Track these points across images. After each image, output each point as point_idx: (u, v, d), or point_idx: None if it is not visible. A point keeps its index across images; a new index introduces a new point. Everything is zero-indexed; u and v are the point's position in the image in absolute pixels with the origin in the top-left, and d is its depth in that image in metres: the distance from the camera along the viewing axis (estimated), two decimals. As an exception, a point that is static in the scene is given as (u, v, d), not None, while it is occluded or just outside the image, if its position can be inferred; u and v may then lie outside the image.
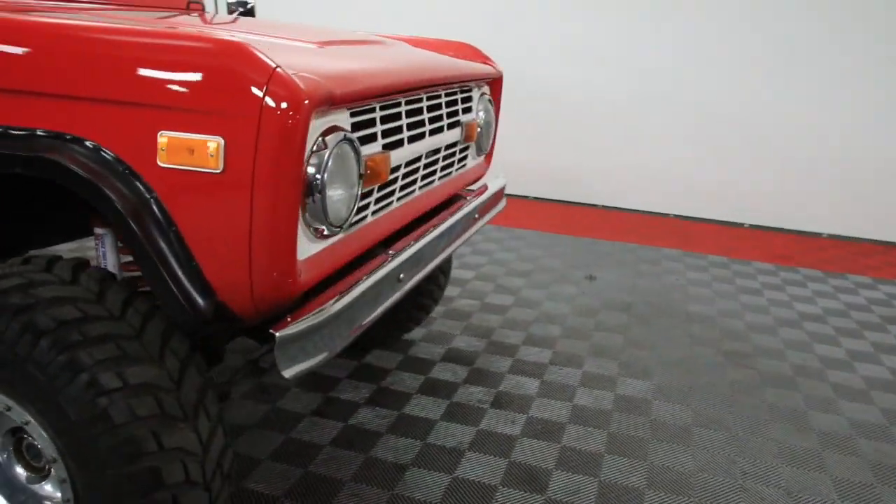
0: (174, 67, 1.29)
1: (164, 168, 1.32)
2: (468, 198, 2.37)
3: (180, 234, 1.35)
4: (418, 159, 1.97)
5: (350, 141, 1.48)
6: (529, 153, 5.71)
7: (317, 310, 1.42)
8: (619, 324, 3.47)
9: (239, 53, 1.27)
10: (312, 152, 1.37)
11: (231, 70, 1.27)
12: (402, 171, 1.87)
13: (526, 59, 5.52)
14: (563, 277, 4.08)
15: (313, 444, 2.33)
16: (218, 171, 1.29)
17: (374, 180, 1.64)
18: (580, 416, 2.60)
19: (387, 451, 2.32)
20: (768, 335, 3.41)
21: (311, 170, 1.37)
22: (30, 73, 1.38)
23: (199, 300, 1.35)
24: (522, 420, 2.56)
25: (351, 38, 2.12)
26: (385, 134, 1.73)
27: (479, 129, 2.43)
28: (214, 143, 1.28)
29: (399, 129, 1.81)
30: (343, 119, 1.50)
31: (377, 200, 1.76)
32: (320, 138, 1.39)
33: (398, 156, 1.80)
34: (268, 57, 1.29)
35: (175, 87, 1.29)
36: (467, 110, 2.35)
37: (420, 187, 2.05)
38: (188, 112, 1.29)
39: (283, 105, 1.26)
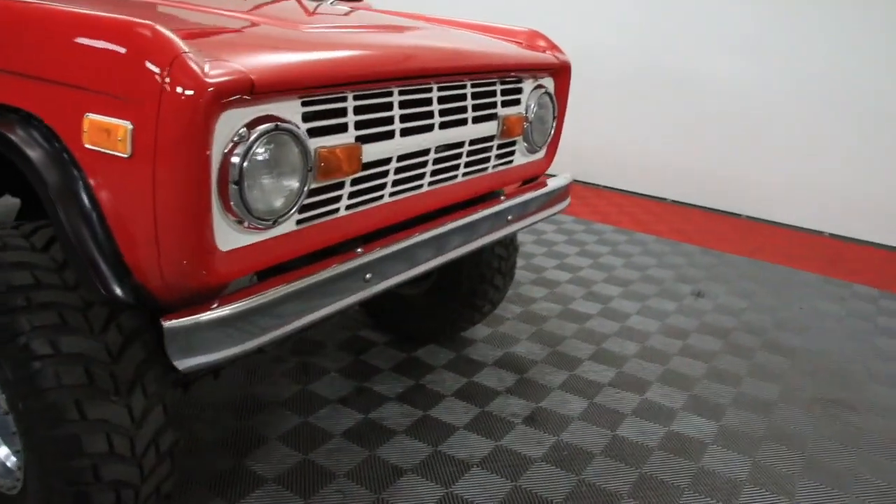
0: (95, 49, 1.29)
1: (87, 149, 1.33)
2: (503, 197, 2.19)
3: (102, 214, 1.36)
4: (423, 153, 1.84)
5: (288, 132, 1.40)
6: (666, 154, 5.25)
7: (224, 303, 1.37)
8: (707, 350, 3.07)
9: (146, 36, 1.24)
10: (235, 142, 1.32)
11: (138, 53, 1.24)
12: (394, 164, 1.75)
13: (669, 50, 5.06)
14: (666, 291, 3.70)
15: (325, 433, 2.31)
16: (126, 156, 1.28)
17: (335, 174, 1.54)
18: (616, 449, 2.34)
19: (392, 452, 2.24)
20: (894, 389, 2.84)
21: (234, 160, 1.31)
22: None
23: (114, 280, 1.35)
24: (550, 443, 2.34)
25: (353, 23, 2.03)
26: (363, 125, 1.62)
27: (526, 125, 2.23)
28: (124, 127, 1.26)
29: (389, 121, 1.69)
30: (288, 108, 1.42)
31: (353, 194, 1.66)
32: (244, 128, 1.33)
33: (383, 149, 1.69)
34: (178, 40, 1.24)
35: (96, 70, 1.29)
36: (512, 103, 2.16)
37: (431, 183, 1.92)
38: (105, 95, 1.29)
39: (184, 92, 1.21)
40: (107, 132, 1.29)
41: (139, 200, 1.30)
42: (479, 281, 2.70)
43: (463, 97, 1.94)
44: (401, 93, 1.71)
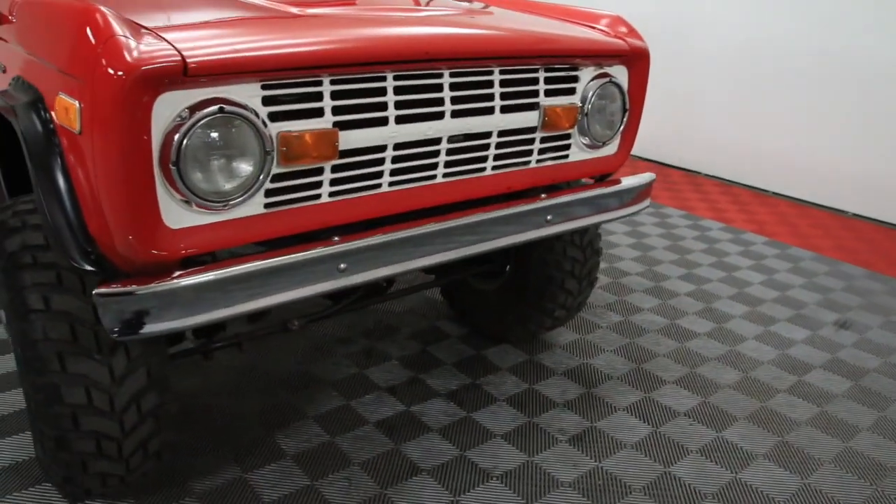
0: (62, 32, 1.36)
1: (59, 125, 1.42)
2: (544, 196, 1.98)
3: (72, 187, 1.44)
4: (431, 142, 1.72)
5: (239, 115, 1.37)
6: (848, 158, 4.47)
7: (166, 279, 1.38)
8: (826, 392, 2.57)
9: (90, 19, 1.27)
10: (177, 124, 1.32)
11: (83, 36, 1.28)
12: (391, 153, 1.65)
13: (858, 32, 4.27)
14: (803, 317, 3.15)
15: (359, 419, 2.29)
16: (77, 133, 1.33)
17: (303, 159, 1.49)
18: (661, 489, 2.04)
19: (416, 450, 2.15)
20: None
21: (174, 141, 1.32)
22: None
23: (77, 248, 1.43)
24: (588, 468, 2.11)
25: (368, 4, 1.92)
26: (344, 110, 1.55)
27: (581, 117, 2.00)
28: (74, 106, 1.32)
29: (382, 106, 1.60)
30: (243, 91, 1.39)
31: (337, 181, 1.60)
32: (186, 111, 1.32)
33: (374, 136, 1.60)
34: (115, 23, 1.26)
35: (62, 52, 1.36)
36: (562, 92, 1.95)
37: (448, 175, 1.79)
38: (67, 76, 1.35)
39: (114, 73, 1.22)
40: (66, 110, 1.35)
41: (88, 176, 1.35)
42: (547, 283, 2.50)
43: (487, 84, 1.78)
44: (396, 78, 1.61)
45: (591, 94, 2.00)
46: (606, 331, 2.94)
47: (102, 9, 1.31)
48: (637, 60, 2.09)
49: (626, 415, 2.38)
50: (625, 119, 2.12)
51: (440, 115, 1.71)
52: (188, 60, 1.28)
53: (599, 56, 1.99)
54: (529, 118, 1.90)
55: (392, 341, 2.77)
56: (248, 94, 1.41)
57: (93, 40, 1.26)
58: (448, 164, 1.79)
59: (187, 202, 1.38)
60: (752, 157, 5.07)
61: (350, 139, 1.57)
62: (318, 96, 1.51)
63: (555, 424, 2.31)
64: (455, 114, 1.73)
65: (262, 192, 1.48)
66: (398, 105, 1.63)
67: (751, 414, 2.42)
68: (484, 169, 1.87)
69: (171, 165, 1.32)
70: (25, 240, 1.58)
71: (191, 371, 2.50)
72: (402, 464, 2.09)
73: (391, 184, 1.70)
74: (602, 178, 2.24)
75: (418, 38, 1.64)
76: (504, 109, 1.83)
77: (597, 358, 2.72)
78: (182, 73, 1.28)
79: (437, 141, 1.73)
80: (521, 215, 1.89)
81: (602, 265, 3.58)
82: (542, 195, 1.97)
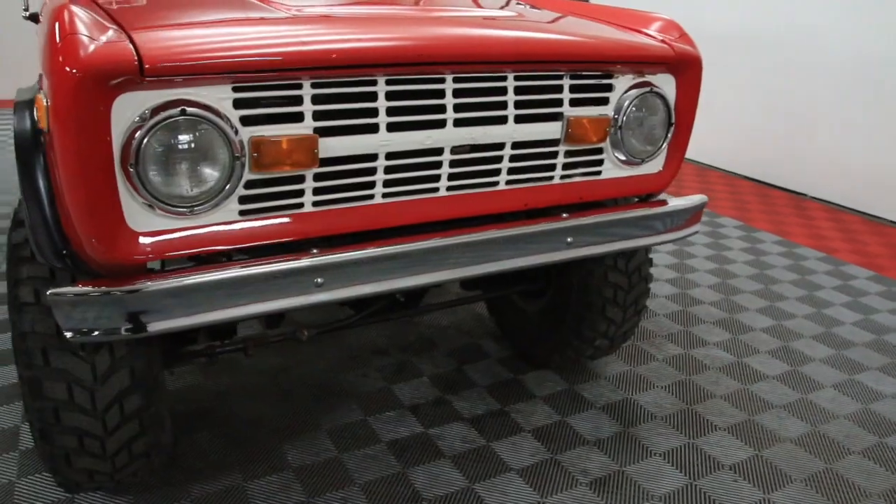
0: (45, 29, 1.34)
1: (39, 125, 1.42)
2: (566, 215, 1.79)
3: (50, 185, 1.43)
4: (432, 152, 1.59)
5: (203, 119, 1.31)
6: None
7: (121, 283, 1.33)
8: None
9: (60, 15, 1.25)
10: (137, 126, 1.27)
11: (51, 32, 1.25)
12: (383, 162, 1.54)
13: None
14: (900, 367, 2.72)
15: (373, 437, 2.18)
16: (46, 132, 1.32)
17: (278, 166, 1.41)
18: (689, 551, 1.78)
19: (423, 476, 2.02)
20: None
21: (134, 143, 1.27)
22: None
23: (50, 247, 1.42)
24: (605, 517, 1.89)
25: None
26: (327, 115, 1.45)
27: (613, 130, 1.79)
28: (44, 104, 1.30)
29: (372, 112, 1.49)
30: (212, 93, 1.33)
31: (321, 190, 1.50)
32: (147, 112, 1.27)
33: (362, 143, 1.49)
34: (79, 21, 1.23)
35: (43, 49, 1.35)
36: (592, 102, 1.75)
37: (453, 188, 1.65)
38: (43, 74, 1.34)
39: (70, 71, 1.19)
40: (41, 109, 1.35)
41: (55, 175, 1.33)
42: (586, 309, 2.29)
43: (499, 91, 1.62)
44: (390, 82, 1.49)
45: (627, 104, 1.79)
46: (661, 364, 2.67)
47: (75, 7, 1.28)
48: (686, 68, 1.85)
49: (662, 461, 2.13)
50: (669, 134, 1.89)
51: (441, 124, 1.58)
52: (145, 60, 1.23)
53: (638, 63, 1.78)
54: (550, 129, 1.72)
55: (428, 357, 2.65)
56: (218, 97, 1.34)
57: (57, 37, 1.23)
58: (453, 177, 1.65)
59: (150, 206, 1.34)
60: (868, 181, 4.52)
61: (334, 146, 1.47)
62: (298, 100, 1.42)
63: (579, 464, 2.10)
64: (459, 122, 1.60)
65: (234, 198, 1.42)
66: (391, 111, 1.51)
67: (810, 476, 2.10)
68: (497, 183, 1.72)
69: (129, 167, 1.28)
70: (27, 234, 1.61)
71: (224, 370, 2.50)
72: (404, 490, 1.97)
73: (386, 195, 1.59)
74: (645, 199, 2.02)
75: (416, 39, 1.51)
76: (519, 119, 1.67)
77: (644, 393, 2.48)
78: (138, 73, 1.23)
79: (439, 151, 1.60)
80: (534, 236, 1.72)
81: (671, 291, 3.29)
82: (564, 214, 1.79)
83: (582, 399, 2.43)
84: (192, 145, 1.33)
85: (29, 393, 1.57)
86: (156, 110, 1.28)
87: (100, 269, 1.39)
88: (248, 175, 1.41)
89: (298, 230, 1.52)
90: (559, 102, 1.72)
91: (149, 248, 1.37)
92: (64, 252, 1.43)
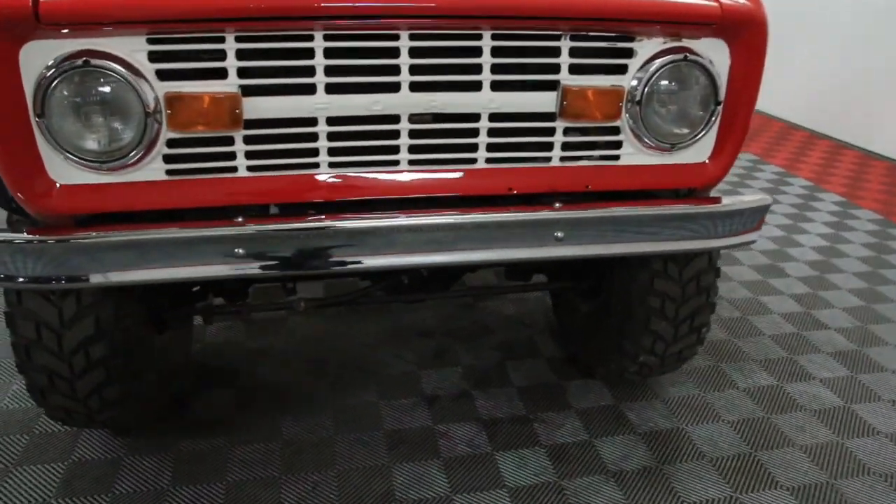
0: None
1: None
2: (559, 205, 1.45)
3: None
4: (386, 119, 1.36)
5: (112, 71, 1.21)
6: None
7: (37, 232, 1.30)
8: None
9: None
10: (44, 75, 1.21)
11: None
12: (325, 127, 1.34)
13: None
14: None
15: (376, 422, 2.02)
16: (-23, 80, 1.31)
17: (196, 126, 1.28)
18: None
19: (405, 476, 1.83)
20: None
21: (39, 93, 1.21)
22: None
23: (2, 195, 1.42)
24: (586, 566, 1.56)
25: None
26: (255, 73, 1.29)
27: (630, 105, 1.42)
28: None
29: (309, 71, 1.30)
30: (124, 44, 1.22)
31: (256, 154, 1.35)
32: (53, 61, 1.20)
33: (296, 106, 1.31)
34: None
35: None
36: (603, 69, 1.40)
37: (416, 162, 1.41)
38: None
39: None
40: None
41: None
42: (627, 319, 1.91)
43: (471, 51, 1.34)
44: (328, 38, 1.29)
45: (651, 74, 1.41)
46: (740, 394, 2.19)
47: None
48: (742, 33, 1.42)
49: (687, 513, 1.73)
50: (715, 115, 1.47)
51: (394, 87, 1.35)
52: (41, 6, 1.15)
53: (670, 23, 1.39)
54: (541, 100, 1.41)
55: (473, 346, 2.43)
56: (130, 48, 1.24)
57: None
58: (415, 150, 1.42)
59: (66, 159, 1.28)
60: None
61: (262, 107, 1.32)
62: (221, 54, 1.28)
63: (584, 497, 1.78)
64: (417, 87, 1.35)
65: (157, 157, 1.32)
66: (330, 71, 1.31)
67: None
68: (474, 160, 1.45)
69: (36, 118, 1.23)
70: None
71: (268, 330, 2.48)
72: (379, 486, 1.80)
73: (332, 164, 1.40)
74: (690, 195, 1.61)
75: None
76: (498, 86, 1.38)
77: (702, 426, 2.04)
78: (34, 19, 1.16)
79: (394, 119, 1.38)
80: (508, 226, 1.42)
81: (792, 308, 2.70)
82: (557, 204, 1.47)
83: (624, 419, 2.06)
84: (98, 98, 1.25)
85: (8, 329, 1.64)
86: (63, 60, 1.21)
87: (37, 219, 1.37)
88: (167, 133, 1.30)
89: (230, 196, 1.39)
90: (555, 68, 1.39)
91: (70, 201, 1.32)
92: (13, 201, 1.44)
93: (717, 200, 1.57)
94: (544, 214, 1.43)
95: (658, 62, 1.42)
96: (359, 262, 1.40)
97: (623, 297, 1.92)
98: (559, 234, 1.45)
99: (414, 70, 1.34)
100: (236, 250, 1.35)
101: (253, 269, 1.38)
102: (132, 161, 1.31)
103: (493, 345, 2.44)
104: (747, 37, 1.43)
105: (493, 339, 2.47)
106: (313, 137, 1.37)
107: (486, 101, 1.39)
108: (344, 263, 1.39)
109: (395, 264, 1.42)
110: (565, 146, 1.47)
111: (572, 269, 2.14)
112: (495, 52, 1.36)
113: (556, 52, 1.38)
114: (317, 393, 2.17)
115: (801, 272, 3.04)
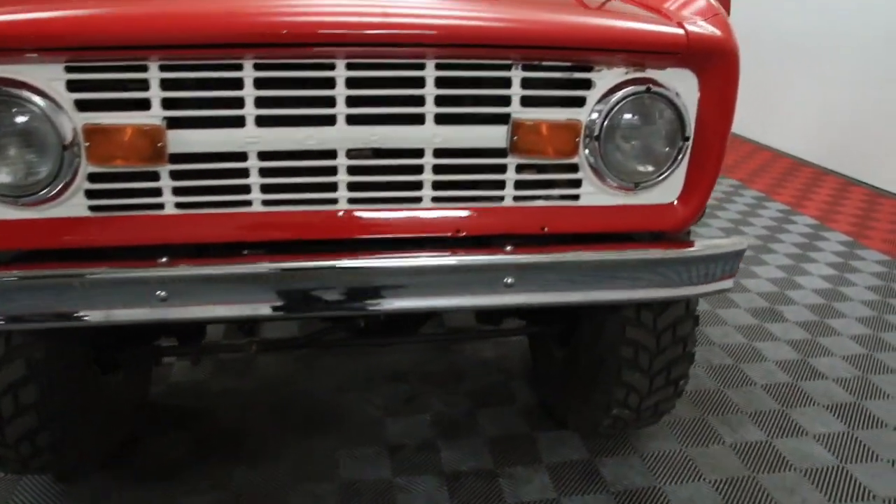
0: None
1: None
2: (510, 248, 1.34)
3: None
4: (323, 154, 1.27)
5: (24, 101, 1.14)
6: None
7: None
8: None
9: None
10: None
11: None
12: (256, 163, 1.25)
13: None
14: None
15: (331, 474, 1.89)
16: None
17: (116, 160, 1.20)
18: None
19: (356, 533, 1.69)
20: None
21: None
22: None
23: None
24: None
25: None
26: (182, 104, 1.20)
27: (589, 141, 1.31)
28: None
29: (239, 102, 1.21)
30: (41, 72, 1.15)
31: (185, 191, 1.26)
32: None
33: (225, 139, 1.23)
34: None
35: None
36: (558, 101, 1.30)
37: (355, 200, 1.31)
38: None
39: None
40: None
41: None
42: (596, 368, 1.78)
43: (413, 82, 1.25)
44: (259, 67, 1.20)
45: (612, 107, 1.31)
46: (727, 450, 2.04)
47: None
48: (712, 62, 1.31)
49: (658, 586, 1.58)
50: (683, 151, 1.36)
51: (330, 120, 1.25)
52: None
53: (630, 51, 1.29)
54: (490, 135, 1.31)
55: (446, 391, 2.29)
56: (48, 77, 1.17)
57: None
58: (354, 187, 1.32)
59: None
60: None
61: (189, 140, 1.24)
62: (145, 84, 1.20)
63: (546, 562, 1.63)
64: (354, 119, 1.26)
65: (79, 192, 1.24)
66: (261, 102, 1.23)
67: None
68: (419, 199, 1.34)
69: None
70: None
71: (234, 371, 2.37)
72: (327, 546, 1.67)
73: (266, 202, 1.31)
74: (658, 238, 1.49)
75: (295, 13, 1.20)
76: (442, 119, 1.29)
77: (683, 486, 1.89)
78: None
79: (330, 154, 1.28)
80: (449, 271, 1.31)
81: (788, 355, 2.54)
82: (507, 247, 1.36)
83: (597, 476, 1.92)
84: (12, 130, 1.18)
85: None
86: None
87: None
88: (88, 167, 1.22)
89: (162, 234, 1.30)
90: (505, 100, 1.29)
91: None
92: None
93: (688, 245, 1.46)
94: (490, 258, 1.32)
95: (619, 94, 1.31)
96: (282, 311, 1.29)
97: (593, 345, 1.79)
98: (509, 280, 1.34)
99: (351, 102, 1.25)
100: (157, 293, 1.25)
101: (175, 313, 1.28)
102: (50, 196, 1.23)
103: (466, 390, 2.31)
104: (717, 67, 1.32)
105: (468, 384, 2.34)
106: (244, 173, 1.28)
107: (429, 135, 1.29)
108: (267, 306, 1.29)
109: (320, 312, 1.32)
110: (518, 185, 1.37)
111: (545, 312, 2.02)
112: (440, 82, 1.26)
113: (506, 82, 1.29)
114: (276, 439, 2.05)
115: (801, 316, 2.88)
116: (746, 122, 6.12)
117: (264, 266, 1.26)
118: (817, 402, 2.29)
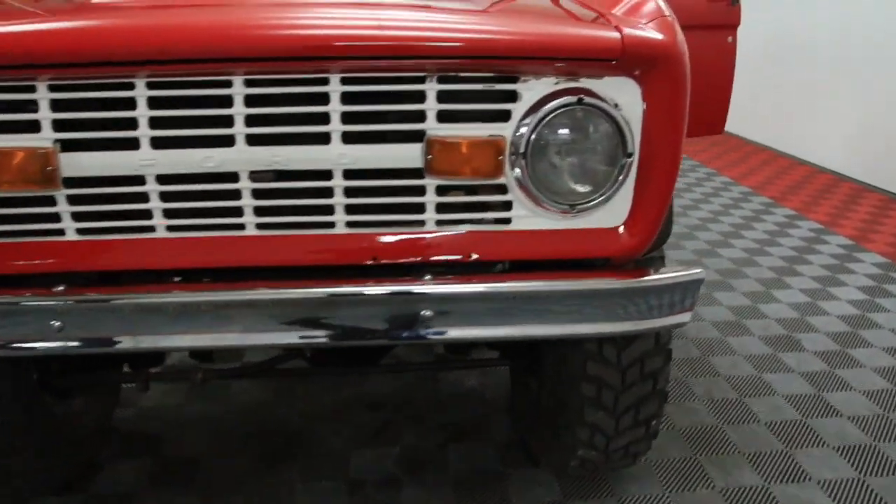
0: None
1: None
2: (429, 277, 1.22)
3: None
4: (224, 177, 1.18)
5: None
6: None
7: None
8: None
9: None
10: None
11: None
12: (156, 186, 1.17)
13: None
14: None
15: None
16: None
17: (7, 183, 1.15)
18: None
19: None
20: None
21: None
22: None
23: None
24: None
25: None
26: (76, 125, 1.14)
27: (515, 160, 1.18)
28: None
29: (132, 123, 1.14)
30: None
31: (86, 216, 1.19)
32: None
33: (121, 162, 1.15)
34: None
35: None
36: (478, 116, 1.18)
37: (263, 226, 1.22)
38: None
39: None
40: None
41: None
42: (559, 406, 1.63)
43: (318, 98, 1.15)
44: (151, 86, 1.12)
45: (539, 120, 1.18)
46: (716, 496, 1.84)
47: None
48: (655, 69, 1.16)
49: None
50: (626, 169, 1.22)
51: (229, 140, 1.17)
52: None
53: (560, 59, 1.16)
54: (403, 154, 1.19)
55: (420, 423, 2.17)
56: None
57: None
58: (261, 212, 1.22)
59: None
60: None
61: (84, 164, 1.16)
62: (33, 105, 1.13)
63: None
64: (254, 139, 1.17)
65: None
66: (155, 123, 1.15)
67: None
68: (332, 225, 1.24)
69: None
70: None
71: (216, 397, 2.31)
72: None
73: (170, 228, 1.23)
74: (607, 267, 1.35)
75: (186, 29, 1.12)
76: (350, 138, 1.18)
77: (660, 535, 1.72)
78: None
79: (232, 177, 1.19)
80: (357, 302, 1.20)
81: (801, 389, 2.31)
82: (427, 276, 1.24)
83: (566, 522, 1.76)
84: None
85: None
86: None
87: None
88: None
89: (59, 262, 1.23)
90: (419, 116, 1.18)
91: None
92: None
93: (636, 274, 1.31)
94: (403, 288, 1.21)
95: (548, 107, 1.18)
96: (186, 338, 1.21)
97: (556, 381, 1.64)
98: (426, 313, 1.22)
99: (250, 121, 1.16)
100: (51, 323, 1.18)
101: (72, 345, 1.21)
102: None
103: (441, 422, 2.17)
104: (661, 75, 1.18)
105: (444, 416, 2.21)
106: (144, 198, 1.20)
107: (335, 155, 1.18)
108: (170, 339, 1.21)
109: (228, 344, 1.23)
110: (440, 208, 1.25)
111: (514, 343, 1.88)
112: (346, 98, 1.16)
113: (420, 96, 1.17)
114: (237, 469, 1.96)
115: (821, 345, 2.65)
116: (782, 135, 5.84)
117: (172, 296, 1.18)
118: (827, 442, 2.07)
